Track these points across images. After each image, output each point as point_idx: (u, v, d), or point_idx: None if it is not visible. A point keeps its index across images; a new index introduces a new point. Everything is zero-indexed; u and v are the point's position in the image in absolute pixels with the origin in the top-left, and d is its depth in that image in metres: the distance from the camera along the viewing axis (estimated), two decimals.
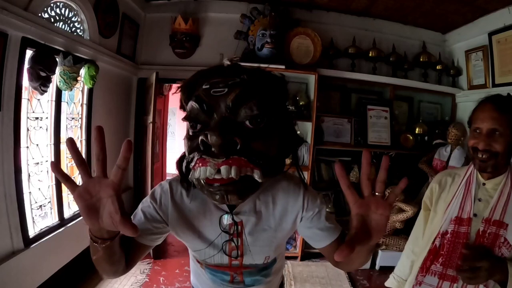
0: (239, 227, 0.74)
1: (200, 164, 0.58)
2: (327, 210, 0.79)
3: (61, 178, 0.52)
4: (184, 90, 0.66)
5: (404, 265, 1.24)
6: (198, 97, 0.61)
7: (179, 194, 0.75)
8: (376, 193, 0.54)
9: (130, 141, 0.52)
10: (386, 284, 1.32)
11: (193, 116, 0.61)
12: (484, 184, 1.03)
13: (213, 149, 0.56)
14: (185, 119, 0.63)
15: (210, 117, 0.60)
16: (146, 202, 0.76)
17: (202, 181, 0.60)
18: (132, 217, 0.75)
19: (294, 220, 0.77)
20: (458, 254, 0.94)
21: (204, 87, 0.62)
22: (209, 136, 0.55)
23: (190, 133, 0.63)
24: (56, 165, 0.52)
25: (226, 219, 0.73)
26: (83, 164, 0.52)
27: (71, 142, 0.52)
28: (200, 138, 0.57)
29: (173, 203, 0.74)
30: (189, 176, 0.63)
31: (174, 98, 5.25)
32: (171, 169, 5.60)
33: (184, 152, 0.67)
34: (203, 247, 0.76)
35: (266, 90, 0.63)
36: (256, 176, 0.60)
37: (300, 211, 0.76)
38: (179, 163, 0.69)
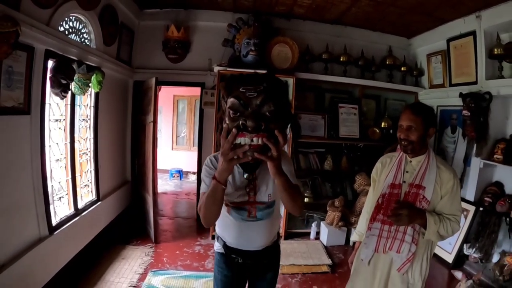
0: (254, 175, 1.18)
1: (241, 136, 0.96)
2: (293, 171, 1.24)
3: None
4: (225, 88, 1.06)
5: (362, 222, 1.72)
6: (238, 97, 0.99)
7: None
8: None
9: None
10: (351, 239, 1.79)
11: (235, 108, 1.00)
12: (410, 161, 1.51)
13: (249, 128, 0.96)
14: (229, 108, 1.01)
15: (245, 109, 0.99)
16: (205, 173, 1.18)
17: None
18: (202, 184, 1.17)
19: None
20: (392, 207, 1.41)
21: (241, 90, 1.00)
22: (247, 121, 0.96)
23: (231, 116, 1.00)
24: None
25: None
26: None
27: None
28: (241, 122, 0.97)
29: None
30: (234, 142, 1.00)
31: (162, 97, 5.51)
32: (161, 165, 5.87)
33: (226, 127, 1.04)
34: (233, 191, 1.18)
35: (277, 93, 1.03)
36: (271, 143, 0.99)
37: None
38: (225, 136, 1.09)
